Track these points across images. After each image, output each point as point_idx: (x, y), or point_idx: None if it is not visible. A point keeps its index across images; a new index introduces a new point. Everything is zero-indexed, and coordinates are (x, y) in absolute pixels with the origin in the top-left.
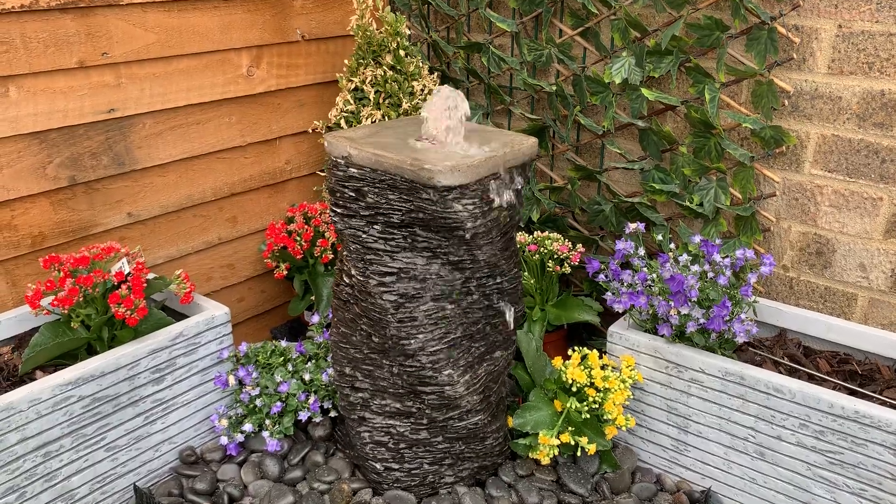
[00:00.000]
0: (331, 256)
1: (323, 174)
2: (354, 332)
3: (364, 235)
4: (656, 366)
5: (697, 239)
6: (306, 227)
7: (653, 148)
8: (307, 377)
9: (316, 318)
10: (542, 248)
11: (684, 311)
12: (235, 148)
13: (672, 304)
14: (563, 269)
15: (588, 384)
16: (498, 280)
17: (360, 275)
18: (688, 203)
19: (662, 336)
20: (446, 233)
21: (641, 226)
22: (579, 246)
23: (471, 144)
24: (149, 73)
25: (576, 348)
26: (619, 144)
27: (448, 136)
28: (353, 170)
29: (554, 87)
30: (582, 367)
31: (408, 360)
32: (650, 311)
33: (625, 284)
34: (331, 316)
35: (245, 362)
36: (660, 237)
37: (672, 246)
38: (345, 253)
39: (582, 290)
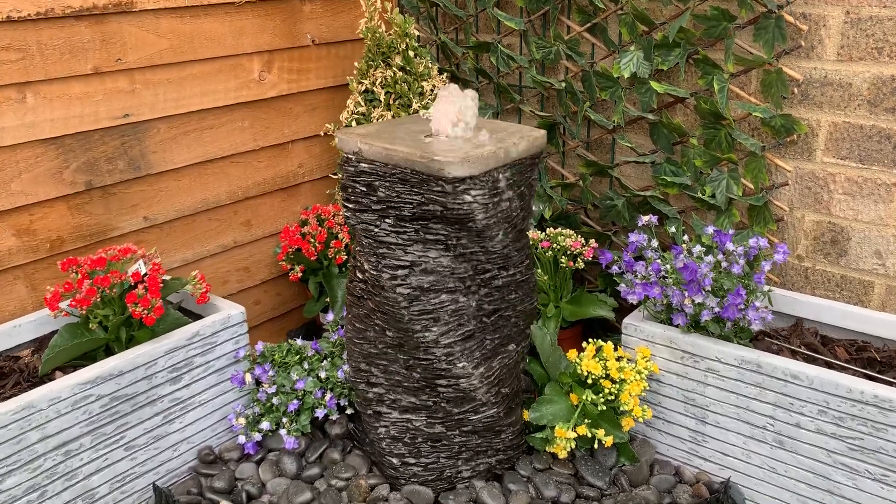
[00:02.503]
0: (344, 257)
1: (336, 177)
2: (369, 327)
3: (376, 229)
4: (672, 356)
5: (710, 230)
6: (320, 228)
7: (663, 141)
8: (323, 374)
9: (331, 317)
10: (554, 245)
11: (698, 299)
12: (249, 152)
13: (686, 293)
14: (577, 265)
15: (603, 376)
16: (511, 272)
17: (373, 269)
18: (700, 195)
19: (677, 326)
20: (457, 225)
21: (654, 219)
22: (592, 241)
23: (480, 137)
24: (162, 78)
25: (590, 340)
26: (630, 139)
27: (457, 131)
28: (364, 165)
29: (563, 84)
30: (597, 359)
31: (422, 353)
32: (664, 302)
33: (638, 276)
34: (345, 313)
35: (261, 361)
36: (673, 230)
37: (686, 238)
38: (357, 248)
39: (596, 287)
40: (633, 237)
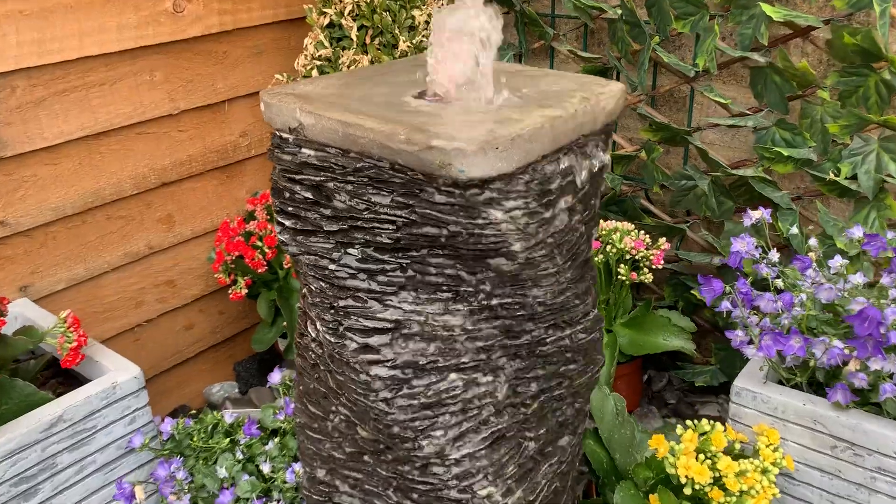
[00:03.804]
0: None
1: None
2: (327, 414)
3: (333, 266)
4: (815, 443)
5: (858, 232)
6: (270, 226)
7: (774, 94)
8: (267, 468)
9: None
10: (607, 246)
11: (875, 365)
12: (164, 118)
13: (854, 352)
14: (643, 278)
15: (711, 482)
16: (567, 332)
17: (330, 332)
18: (832, 175)
19: (834, 404)
20: (476, 260)
21: (767, 213)
22: (662, 241)
23: (508, 99)
24: (13, 9)
25: (692, 424)
26: (719, 91)
27: (471, 88)
28: (307, 151)
29: (619, 11)
30: (702, 454)
31: (418, 471)
32: (807, 359)
33: (758, 313)
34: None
35: (171, 450)
36: (793, 229)
37: (811, 242)
38: (304, 292)
39: (661, 298)
40: (737, 244)
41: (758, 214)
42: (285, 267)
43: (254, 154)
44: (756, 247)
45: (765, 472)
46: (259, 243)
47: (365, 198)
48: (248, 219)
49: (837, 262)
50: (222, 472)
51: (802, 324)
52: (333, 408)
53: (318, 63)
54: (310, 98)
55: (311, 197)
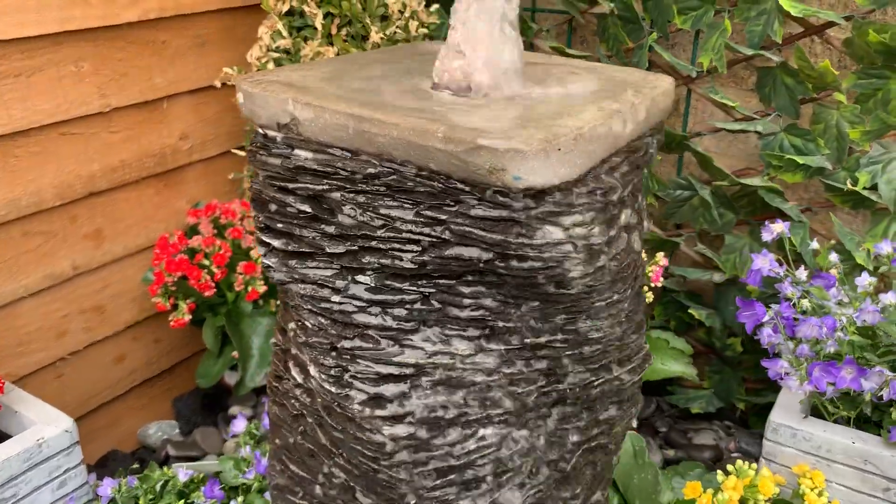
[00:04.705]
0: (262, 290)
1: (243, 153)
2: (316, 476)
3: (337, 298)
4: (864, 486)
5: (887, 248)
6: (219, 242)
7: (784, 97)
8: None
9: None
10: None
11: None
12: (92, 116)
13: None
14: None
15: None
16: (615, 373)
17: (331, 381)
18: (849, 185)
19: (883, 439)
20: (521, 289)
21: (786, 226)
22: (660, 256)
23: (547, 91)
24: None
25: (733, 469)
26: (721, 92)
27: (503, 77)
28: (302, 153)
29: (612, 5)
30: (749, 503)
31: None
32: (857, 392)
33: (797, 341)
34: (266, 423)
35: None
36: (813, 243)
37: (832, 258)
38: (292, 329)
39: (652, 318)
40: (758, 261)
41: (779, 228)
42: (236, 289)
43: (196, 160)
44: (789, 267)
45: None
46: (206, 262)
47: (381, 212)
48: (190, 233)
49: (865, 280)
50: None
51: (846, 352)
52: (325, 469)
53: (276, 55)
54: (303, 87)
55: (308, 210)
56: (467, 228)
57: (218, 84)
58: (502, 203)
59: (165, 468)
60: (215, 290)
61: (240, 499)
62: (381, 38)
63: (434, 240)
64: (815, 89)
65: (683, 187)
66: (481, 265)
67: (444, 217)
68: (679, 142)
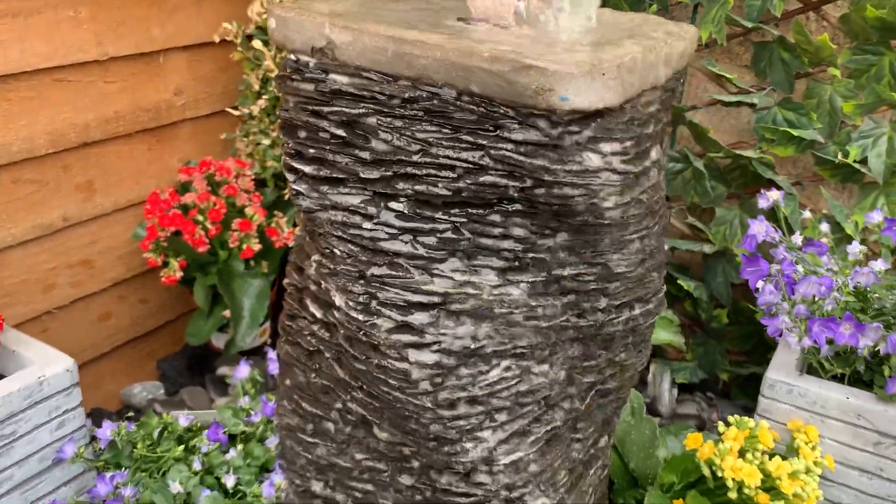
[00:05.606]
0: (257, 248)
1: (237, 112)
2: (329, 412)
3: (368, 224)
4: (856, 440)
5: (878, 217)
6: (213, 198)
7: (779, 72)
8: (230, 481)
9: (244, 337)
10: None
11: None
12: (89, 64)
13: None
14: None
15: (761, 487)
16: (635, 311)
17: (357, 308)
18: (840, 157)
19: (874, 391)
20: (554, 218)
21: (781, 196)
22: None
23: (584, 27)
24: None
25: (732, 419)
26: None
27: (539, 9)
28: (337, 77)
29: None
30: (749, 453)
31: (459, 481)
32: (852, 349)
33: (794, 301)
34: (273, 369)
35: (110, 461)
36: (805, 213)
37: (823, 227)
38: (316, 260)
39: None
40: (754, 227)
41: (774, 196)
42: (230, 246)
43: (189, 116)
44: (786, 230)
45: (807, 471)
46: (200, 217)
47: (418, 136)
48: (182, 191)
49: (856, 248)
50: (176, 487)
51: (843, 310)
52: (339, 405)
53: None
54: (336, 12)
55: (342, 135)
56: (506, 153)
57: (217, 40)
58: (543, 127)
59: (165, 415)
60: (209, 246)
61: (239, 447)
62: None
63: (471, 166)
64: (810, 64)
65: (677, 160)
66: (517, 193)
67: (483, 142)
68: (675, 114)
